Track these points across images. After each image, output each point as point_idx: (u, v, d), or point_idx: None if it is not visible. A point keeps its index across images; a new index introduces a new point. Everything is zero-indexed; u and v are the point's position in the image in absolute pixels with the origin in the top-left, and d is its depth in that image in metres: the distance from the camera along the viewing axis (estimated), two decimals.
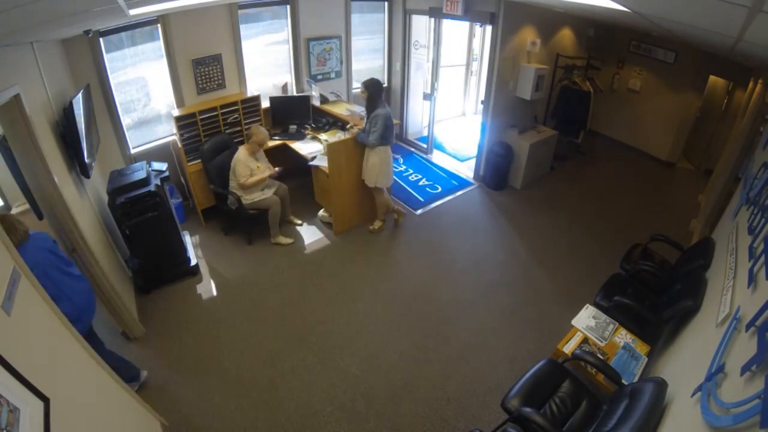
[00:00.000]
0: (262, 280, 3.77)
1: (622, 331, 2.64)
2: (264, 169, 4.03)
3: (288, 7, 4.89)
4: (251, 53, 4.83)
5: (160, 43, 4.12)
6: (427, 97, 6.03)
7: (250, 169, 3.89)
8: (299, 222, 4.52)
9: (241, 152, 3.90)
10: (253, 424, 2.57)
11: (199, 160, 4.18)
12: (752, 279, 1.59)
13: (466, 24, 6.89)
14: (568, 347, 2.53)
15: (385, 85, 6.45)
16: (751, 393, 1.10)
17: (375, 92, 3.80)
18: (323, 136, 4.70)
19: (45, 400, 1.27)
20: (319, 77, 5.45)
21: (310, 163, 4.28)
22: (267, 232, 4.29)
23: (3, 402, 1.08)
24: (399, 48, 6.00)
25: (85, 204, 3.08)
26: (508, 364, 2.99)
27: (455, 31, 6.90)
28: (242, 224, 4.24)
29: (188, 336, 3.19)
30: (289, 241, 4.26)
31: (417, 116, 6.55)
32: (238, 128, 4.63)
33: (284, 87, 5.08)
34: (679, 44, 5.36)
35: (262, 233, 4.30)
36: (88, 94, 3.28)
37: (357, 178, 4.24)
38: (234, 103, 4.50)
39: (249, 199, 4.01)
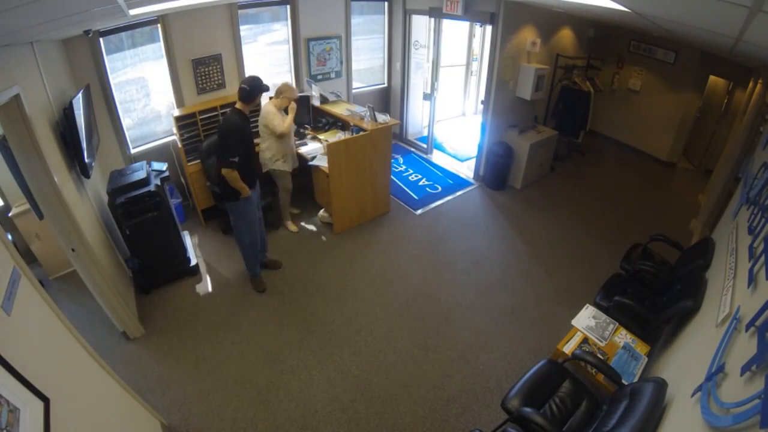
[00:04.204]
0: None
1: (622, 331, 2.64)
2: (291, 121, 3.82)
3: (288, 7, 4.90)
4: (251, 53, 4.83)
5: (160, 44, 4.12)
6: (427, 97, 6.03)
7: (277, 123, 3.68)
8: (294, 229, 4.45)
9: (269, 105, 3.72)
10: (253, 424, 2.57)
11: (199, 161, 4.18)
12: (752, 279, 1.59)
13: (466, 24, 6.89)
14: (568, 347, 2.53)
15: (385, 85, 6.46)
16: (751, 393, 1.10)
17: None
18: (323, 136, 4.70)
19: (45, 400, 1.27)
20: (319, 77, 5.45)
21: (310, 163, 4.28)
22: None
23: (3, 402, 1.08)
24: (399, 48, 6.00)
25: (85, 204, 3.08)
26: (508, 364, 2.99)
27: (455, 31, 6.90)
28: None
29: (188, 336, 3.19)
30: (294, 229, 4.39)
31: (417, 116, 6.55)
32: None
33: None
34: (679, 44, 5.36)
35: None
36: (88, 94, 3.28)
37: (357, 178, 4.25)
38: (234, 103, 4.44)
39: (273, 163, 3.88)
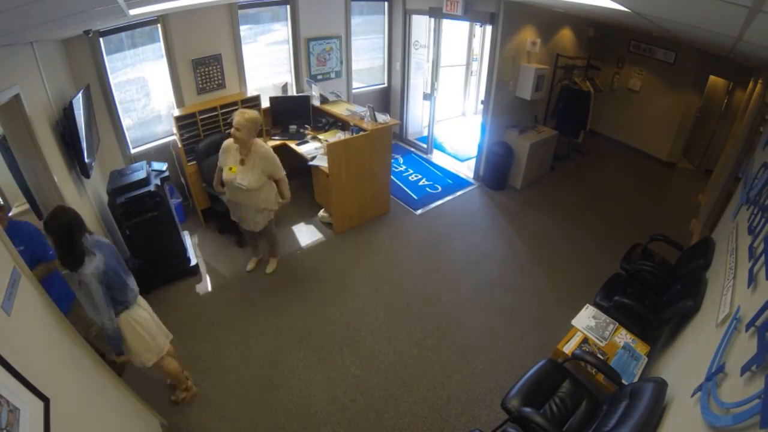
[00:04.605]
0: (261, 280, 3.76)
1: (622, 331, 2.64)
2: (240, 177, 3.02)
3: (288, 7, 4.90)
4: (251, 53, 4.83)
5: (160, 44, 4.12)
6: (427, 97, 6.03)
7: (221, 161, 3.16)
8: (252, 264, 3.85)
9: (228, 140, 3.12)
10: (253, 424, 2.57)
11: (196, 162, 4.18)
12: (752, 279, 1.59)
13: (466, 24, 6.89)
14: (568, 347, 2.53)
15: (385, 85, 6.46)
16: (751, 393, 1.10)
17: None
18: (323, 136, 4.70)
19: (45, 400, 1.27)
20: (319, 77, 5.45)
21: (310, 163, 4.28)
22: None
23: (3, 402, 1.08)
24: (399, 48, 6.00)
25: (85, 204, 3.08)
26: (508, 364, 2.99)
27: (455, 31, 6.89)
28: (235, 225, 4.23)
29: (188, 336, 3.19)
30: (252, 265, 3.85)
31: (417, 116, 6.55)
32: None
33: (284, 87, 5.08)
34: (679, 44, 5.36)
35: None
36: (88, 94, 3.28)
37: (357, 178, 4.24)
38: (234, 103, 4.49)
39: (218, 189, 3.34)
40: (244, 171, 3.06)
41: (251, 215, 3.33)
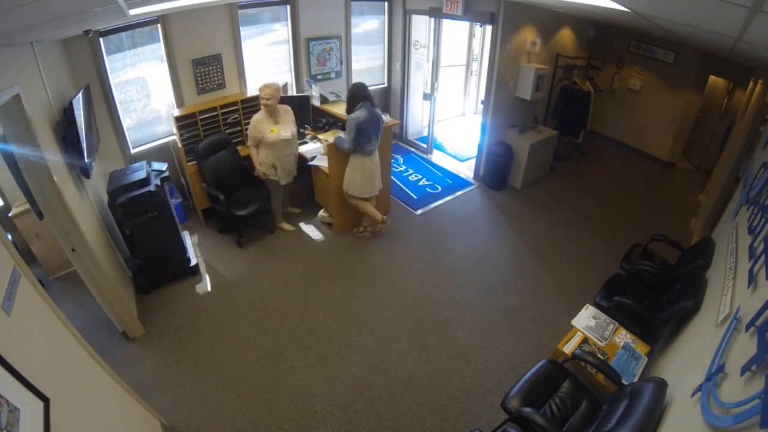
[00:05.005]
0: (262, 280, 3.77)
1: (622, 331, 2.64)
2: (283, 131, 3.81)
3: (288, 7, 4.90)
4: (251, 53, 4.83)
5: (160, 44, 4.11)
6: (427, 97, 6.03)
7: (260, 132, 3.74)
8: (290, 228, 4.47)
9: (256, 115, 3.79)
10: (253, 424, 2.57)
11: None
12: (752, 279, 1.59)
13: (466, 24, 6.89)
14: (568, 347, 2.53)
15: (385, 85, 6.46)
16: (751, 393, 1.10)
17: (351, 96, 3.65)
18: (323, 136, 4.70)
19: (45, 400, 1.27)
20: (319, 77, 5.45)
21: (310, 163, 4.28)
22: (261, 233, 4.30)
23: (3, 402, 1.08)
24: (399, 48, 6.00)
25: (85, 204, 3.08)
26: (508, 364, 2.99)
27: (455, 31, 6.90)
28: (235, 225, 4.25)
29: (188, 336, 3.19)
30: (290, 228, 4.44)
31: (417, 116, 6.55)
32: (239, 128, 4.63)
33: (284, 87, 5.08)
34: (679, 44, 5.36)
35: (255, 235, 4.31)
36: (88, 94, 3.28)
37: None
38: (234, 103, 4.50)
39: (260, 170, 3.89)
40: (283, 126, 3.84)
41: (292, 163, 4.09)
